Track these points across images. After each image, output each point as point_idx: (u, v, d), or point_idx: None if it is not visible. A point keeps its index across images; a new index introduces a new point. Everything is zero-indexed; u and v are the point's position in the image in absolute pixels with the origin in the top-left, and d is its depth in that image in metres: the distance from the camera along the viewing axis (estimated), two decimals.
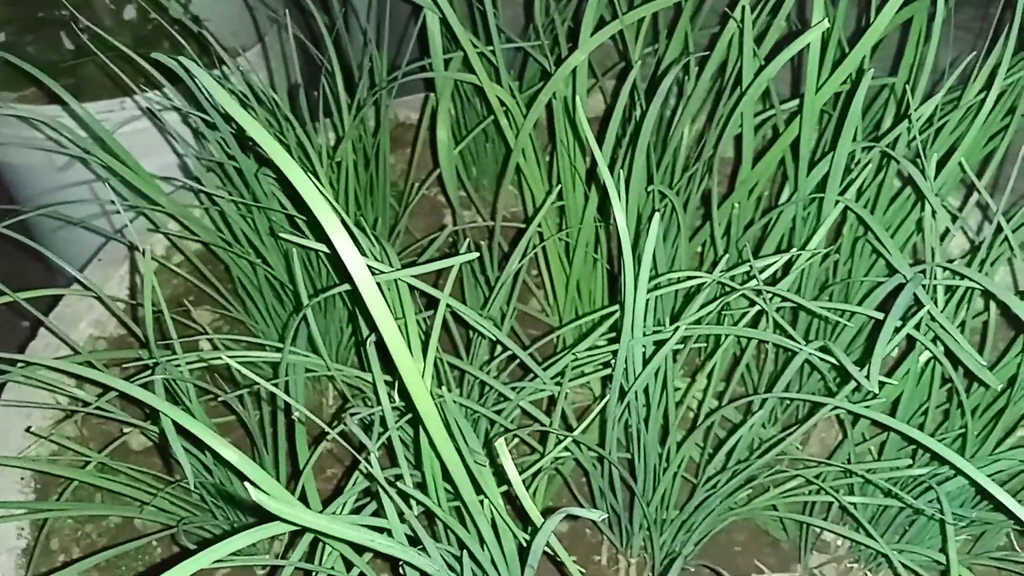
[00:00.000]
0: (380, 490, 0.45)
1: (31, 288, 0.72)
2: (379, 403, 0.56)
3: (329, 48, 0.78)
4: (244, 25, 1.40)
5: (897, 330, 0.49)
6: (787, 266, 0.64)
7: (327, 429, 0.50)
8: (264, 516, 0.40)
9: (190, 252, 0.87)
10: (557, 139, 0.74)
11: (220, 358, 0.62)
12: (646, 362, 0.55)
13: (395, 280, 0.56)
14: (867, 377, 0.45)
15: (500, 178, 0.91)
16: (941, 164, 0.61)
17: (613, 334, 0.64)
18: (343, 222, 0.43)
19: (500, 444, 0.46)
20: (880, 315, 0.51)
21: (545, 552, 0.51)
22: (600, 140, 0.78)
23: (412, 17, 0.82)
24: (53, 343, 0.89)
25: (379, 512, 0.48)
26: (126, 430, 0.78)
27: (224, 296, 0.83)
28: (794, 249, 0.57)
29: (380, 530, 0.43)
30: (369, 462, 0.55)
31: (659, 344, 0.56)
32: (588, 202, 0.73)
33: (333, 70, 0.79)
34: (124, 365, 0.86)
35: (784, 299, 0.57)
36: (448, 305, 0.55)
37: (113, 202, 0.92)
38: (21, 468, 0.76)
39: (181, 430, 0.51)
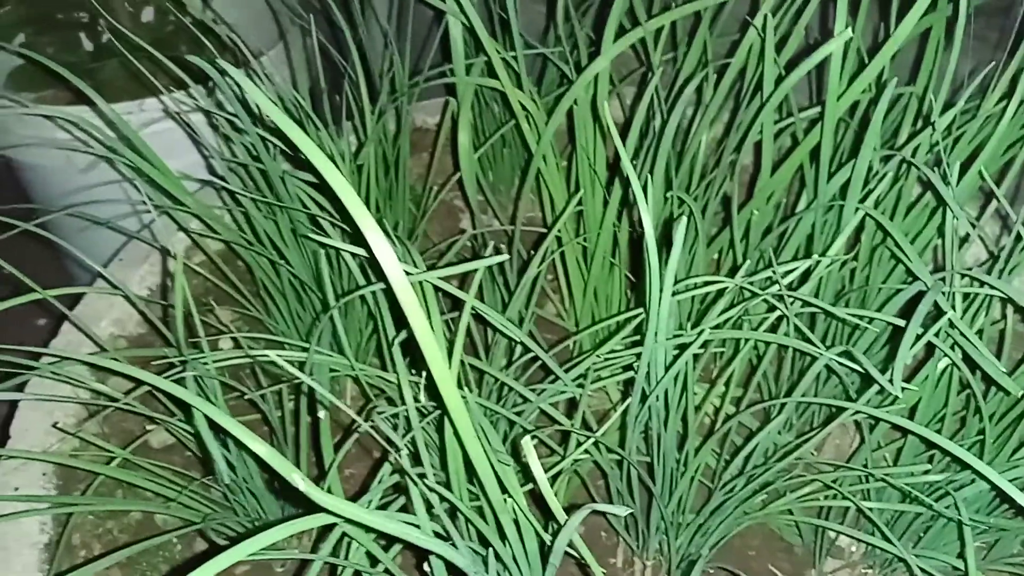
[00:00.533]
0: (409, 486, 0.46)
1: (48, 289, 0.73)
2: (403, 402, 0.57)
3: (352, 52, 0.79)
4: (263, 28, 1.42)
5: (919, 336, 0.50)
6: (805, 274, 0.64)
7: (358, 420, 0.51)
8: (291, 512, 0.41)
9: (212, 252, 0.88)
10: (577, 144, 0.75)
11: (246, 357, 0.63)
12: (668, 366, 0.55)
13: (419, 281, 0.57)
14: (891, 381, 0.46)
15: (520, 183, 0.92)
16: (960, 173, 0.62)
17: (633, 338, 0.65)
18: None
19: (526, 442, 0.47)
20: (901, 322, 0.51)
21: (564, 554, 0.52)
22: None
23: (435, 22, 0.83)
24: (75, 340, 0.90)
25: (405, 509, 0.49)
26: (149, 427, 0.79)
27: (245, 296, 0.84)
28: (815, 256, 0.57)
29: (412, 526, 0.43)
30: (395, 459, 0.56)
31: (681, 348, 0.56)
32: (608, 207, 0.74)
33: (356, 75, 0.80)
34: (148, 363, 0.87)
35: (804, 305, 0.57)
36: (473, 307, 0.56)
37: (144, 202, 0.94)
38: (46, 462, 0.77)
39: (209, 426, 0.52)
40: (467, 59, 0.80)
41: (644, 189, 0.47)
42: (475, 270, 0.55)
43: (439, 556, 0.47)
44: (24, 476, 0.78)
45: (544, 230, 0.87)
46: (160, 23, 1.54)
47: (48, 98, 1.46)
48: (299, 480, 0.33)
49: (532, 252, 0.75)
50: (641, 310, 0.64)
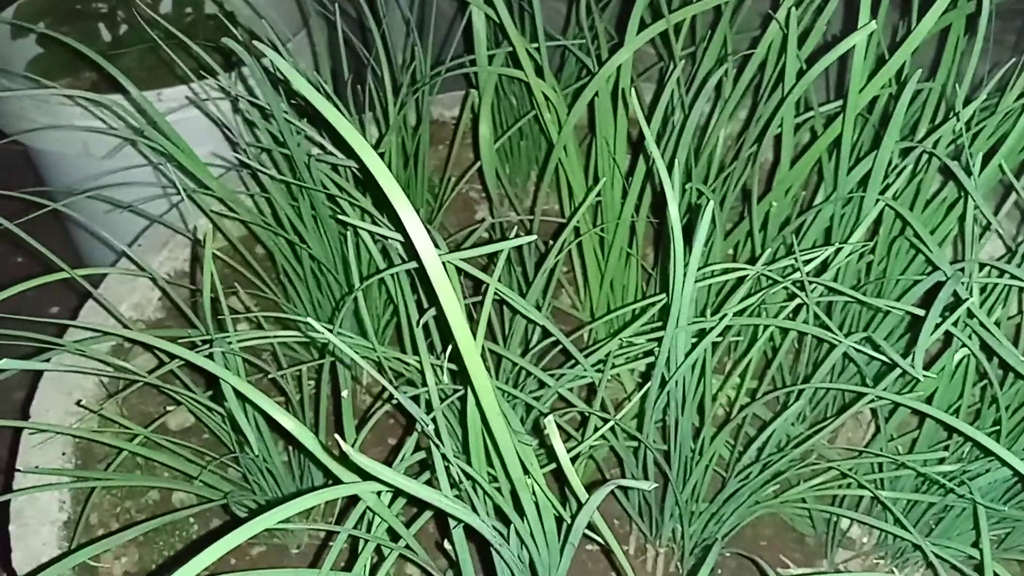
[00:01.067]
0: (434, 458, 0.47)
1: (65, 282, 0.73)
2: (424, 384, 0.58)
3: (376, 42, 0.80)
4: (283, 16, 1.43)
5: (938, 325, 0.50)
6: (823, 265, 0.65)
7: (381, 401, 0.52)
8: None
9: (233, 238, 0.88)
10: (598, 135, 0.76)
11: (272, 337, 0.64)
12: (688, 352, 0.56)
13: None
14: (912, 366, 0.47)
15: (540, 174, 0.92)
16: (981, 165, 0.63)
17: (652, 325, 0.66)
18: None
19: (548, 421, 0.48)
20: (920, 311, 0.52)
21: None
22: (640, 139, 0.80)
23: (459, 13, 0.83)
24: (95, 323, 0.91)
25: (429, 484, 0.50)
26: (169, 407, 0.80)
27: (265, 281, 0.85)
28: (836, 243, 0.58)
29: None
30: (419, 436, 0.56)
31: (700, 335, 0.57)
32: (627, 198, 0.74)
33: (380, 68, 0.81)
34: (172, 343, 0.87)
35: (825, 291, 0.58)
36: (496, 291, 0.57)
37: (165, 188, 0.94)
38: (69, 435, 0.78)
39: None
40: (489, 51, 0.81)
41: (670, 174, 0.47)
42: (497, 256, 0.56)
43: (460, 524, 0.47)
44: (44, 455, 0.79)
45: (562, 220, 0.88)
46: (178, 14, 1.55)
47: (66, 87, 1.47)
48: (344, 444, 0.34)
49: (548, 243, 0.76)
50: (659, 297, 0.65)
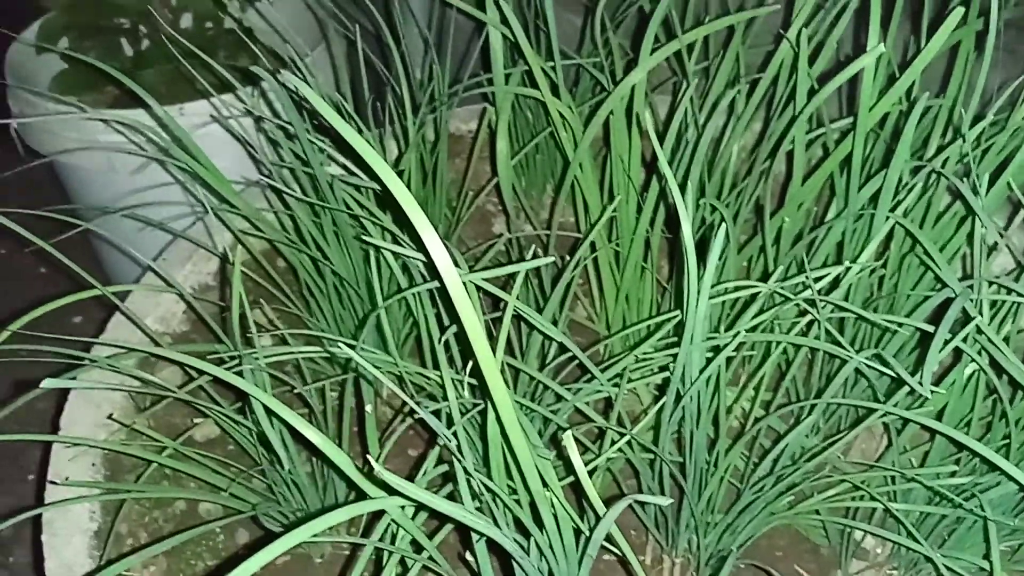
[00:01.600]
0: (457, 472, 0.48)
1: (89, 289, 0.75)
2: (445, 399, 0.59)
3: (396, 63, 0.82)
4: (302, 31, 1.45)
5: (947, 342, 0.51)
6: (835, 280, 0.66)
7: (401, 415, 0.53)
8: (330, 503, 0.43)
9: (256, 251, 0.90)
10: (613, 152, 0.77)
11: (297, 353, 0.65)
12: (703, 368, 0.57)
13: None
14: (920, 384, 0.48)
15: (556, 190, 0.94)
16: (988, 184, 0.64)
17: (667, 340, 0.67)
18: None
19: (567, 436, 0.49)
20: (930, 328, 0.53)
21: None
22: (654, 155, 0.81)
23: (476, 32, 0.85)
24: (121, 337, 0.93)
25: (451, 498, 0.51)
26: (197, 420, 0.81)
27: (287, 295, 0.87)
28: (846, 262, 0.59)
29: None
30: (440, 450, 0.58)
31: (715, 350, 0.58)
32: (641, 214, 0.76)
33: (400, 87, 0.83)
34: (199, 358, 0.89)
35: (835, 310, 0.59)
36: (515, 308, 0.58)
37: (190, 204, 0.97)
38: (99, 448, 0.80)
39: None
40: (505, 69, 0.82)
41: (682, 192, 0.49)
42: (515, 273, 0.58)
43: (482, 537, 0.49)
44: (75, 466, 0.81)
45: (577, 235, 0.90)
46: (199, 29, 1.58)
47: (89, 102, 1.50)
48: (375, 463, 0.35)
49: (564, 256, 0.77)
50: (674, 313, 0.66)
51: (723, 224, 0.49)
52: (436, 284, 0.59)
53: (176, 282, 0.95)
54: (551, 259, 0.51)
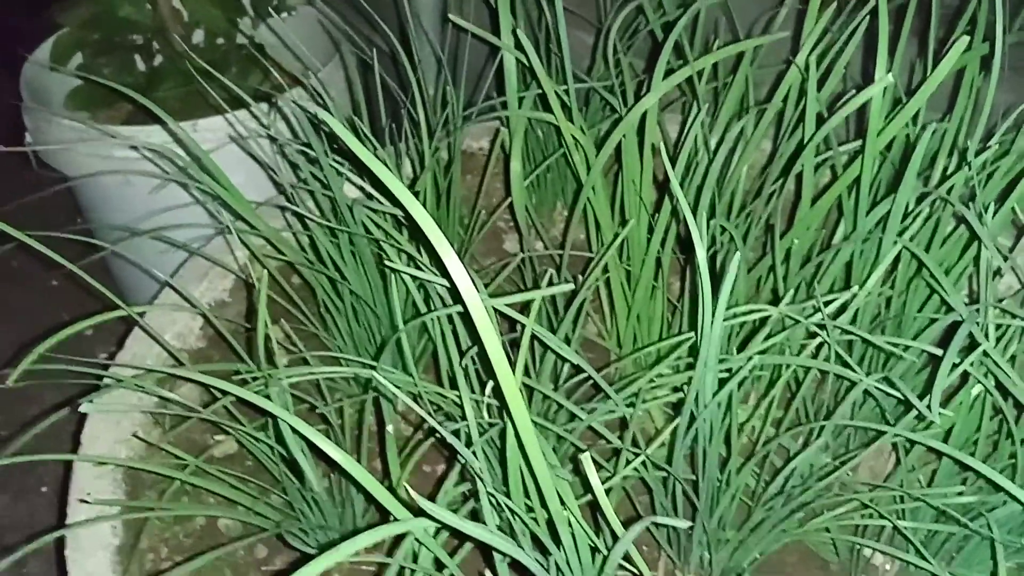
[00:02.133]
0: (480, 492, 0.50)
1: (104, 307, 0.77)
2: (463, 416, 0.61)
3: (412, 83, 0.84)
4: (314, 43, 1.47)
5: (955, 366, 0.53)
6: (844, 302, 0.68)
7: (434, 426, 0.55)
8: (348, 519, 0.45)
9: (272, 267, 0.92)
10: (625, 174, 0.79)
11: (319, 374, 0.67)
12: (716, 392, 0.59)
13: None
14: (928, 408, 0.49)
15: (569, 212, 0.95)
16: (995, 208, 0.65)
17: (678, 359, 0.69)
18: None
19: (586, 459, 0.51)
20: (939, 351, 0.55)
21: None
22: (667, 174, 0.83)
23: (490, 57, 0.87)
24: (140, 353, 0.95)
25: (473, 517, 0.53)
26: (218, 437, 0.83)
27: (303, 311, 0.89)
28: (855, 288, 0.61)
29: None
30: (461, 469, 0.59)
31: (728, 372, 0.60)
32: (653, 235, 0.77)
33: (414, 106, 0.84)
34: (220, 376, 0.91)
35: (844, 333, 0.61)
36: (533, 332, 0.60)
37: (205, 221, 0.98)
38: (121, 465, 0.81)
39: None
40: (520, 93, 0.84)
41: (694, 215, 0.50)
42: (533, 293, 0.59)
43: (506, 558, 0.50)
44: (97, 482, 0.83)
45: (589, 254, 0.91)
46: (211, 45, 1.59)
47: (103, 118, 1.51)
48: (405, 486, 0.37)
49: (577, 274, 0.79)
50: (685, 335, 0.68)
51: (737, 254, 0.50)
52: (458, 309, 0.61)
53: (194, 299, 0.97)
54: (569, 286, 0.52)
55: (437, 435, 0.65)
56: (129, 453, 0.87)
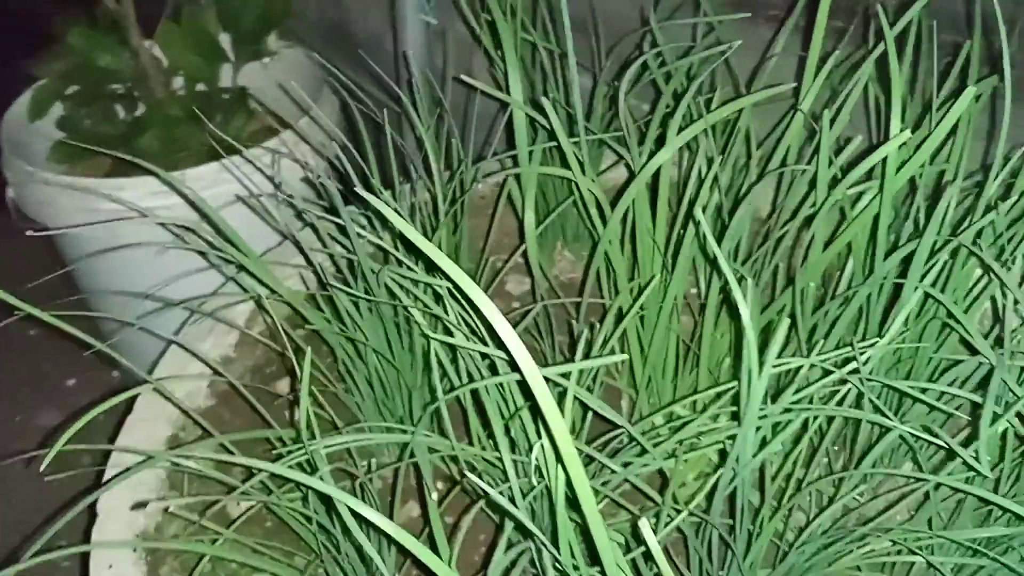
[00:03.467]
0: (538, 560, 0.50)
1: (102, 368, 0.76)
2: (506, 480, 0.61)
3: (424, 137, 0.84)
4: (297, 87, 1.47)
5: (996, 417, 0.54)
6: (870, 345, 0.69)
7: (488, 490, 0.55)
8: None
9: (279, 316, 0.91)
10: (639, 226, 0.80)
11: (356, 442, 0.67)
12: (756, 453, 0.60)
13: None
14: (976, 458, 0.51)
15: (587, 263, 0.96)
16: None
17: (712, 413, 0.70)
18: None
19: (643, 524, 0.51)
20: (979, 398, 0.56)
21: None
22: (673, 221, 0.84)
23: (501, 112, 0.88)
24: (150, 416, 0.94)
25: None
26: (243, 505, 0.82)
27: (321, 369, 0.88)
28: (878, 340, 0.62)
29: None
30: (509, 535, 0.60)
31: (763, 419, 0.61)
32: (670, 285, 0.79)
33: (430, 172, 0.85)
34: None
35: (878, 383, 0.62)
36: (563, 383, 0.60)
37: (232, 279, 0.97)
38: (146, 546, 0.80)
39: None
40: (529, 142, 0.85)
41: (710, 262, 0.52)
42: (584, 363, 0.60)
43: None
44: (115, 553, 0.82)
45: (605, 301, 0.92)
46: (191, 90, 1.58)
47: (87, 170, 1.49)
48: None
49: (593, 321, 0.80)
50: (719, 385, 0.69)
51: (784, 322, 0.52)
52: (507, 378, 0.61)
53: (202, 356, 0.96)
54: (623, 356, 0.53)
55: (480, 495, 0.66)
56: (146, 520, 0.86)
